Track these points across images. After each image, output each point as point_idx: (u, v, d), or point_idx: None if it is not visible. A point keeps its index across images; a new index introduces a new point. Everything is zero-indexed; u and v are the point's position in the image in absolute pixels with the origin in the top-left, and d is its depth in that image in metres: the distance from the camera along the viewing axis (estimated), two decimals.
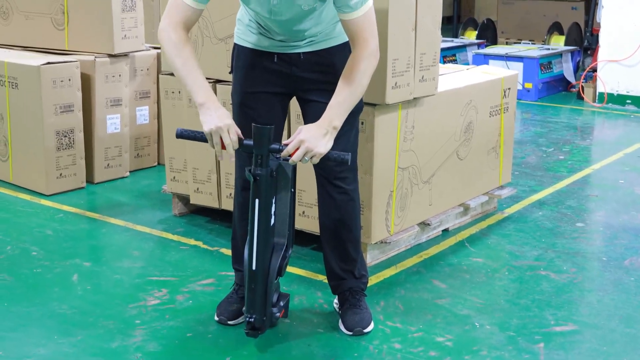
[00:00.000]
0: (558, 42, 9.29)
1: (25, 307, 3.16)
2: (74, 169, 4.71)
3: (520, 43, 10.18)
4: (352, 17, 2.64)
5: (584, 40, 8.99)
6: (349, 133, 2.89)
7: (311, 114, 2.86)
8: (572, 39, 9.26)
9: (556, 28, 9.61)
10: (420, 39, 3.61)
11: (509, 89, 4.47)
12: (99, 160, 4.89)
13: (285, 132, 3.34)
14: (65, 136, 4.65)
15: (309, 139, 2.60)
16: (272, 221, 2.70)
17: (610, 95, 7.68)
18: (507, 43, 10.80)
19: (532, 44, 9.76)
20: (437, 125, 3.91)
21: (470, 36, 9.77)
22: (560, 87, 8.42)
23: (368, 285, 3.16)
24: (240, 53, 2.95)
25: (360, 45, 2.67)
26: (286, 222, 2.77)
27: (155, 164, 5.29)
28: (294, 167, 2.75)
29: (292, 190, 2.79)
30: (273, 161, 2.67)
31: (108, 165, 4.93)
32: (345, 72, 2.69)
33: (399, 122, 3.62)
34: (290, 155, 2.62)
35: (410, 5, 3.49)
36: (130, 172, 5.08)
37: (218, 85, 3.91)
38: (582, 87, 7.89)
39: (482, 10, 13.90)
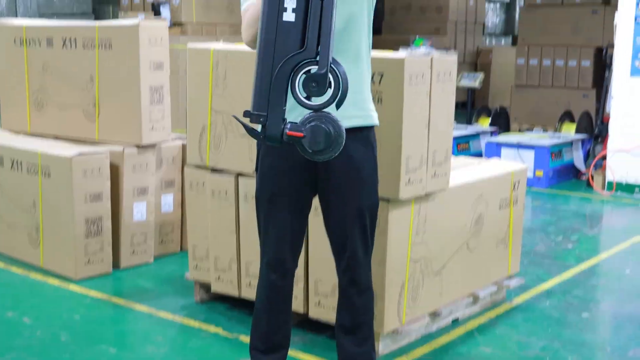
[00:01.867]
0: (569, 130, 9.52)
1: None
2: (102, 255, 4.93)
3: (532, 130, 10.43)
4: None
5: (595, 128, 9.22)
6: (372, 231, 3.09)
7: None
8: (583, 127, 9.49)
9: (567, 116, 9.86)
10: (433, 137, 3.83)
11: (519, 182, 4.67)
12: (125, 246, 5.11)
13: None
14: (94, 224, 4.88)
15: None
16: (286, 17, 2.55)
17: (619, 184, 7.88)
18: (519, 130, 11.05)
19: (544, 131, 10.01)
20: (449, 218, 4.11)
21: (484, 123, 10.03)
22: (570, 174, 8.62)
23: None
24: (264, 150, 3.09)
25: None
26: (314, 35, 2.53)
27: (179, 249, 5.50)
28: None
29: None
30: None
31: (134, 251, 5.15)
32: None
33: (411, 216, 3.82)
34: None
35: (423, 106, 3.72)
36: (154, 257, 5.30)
37: (240, 178, 4.14)
38: (592, 175, 8.09)
39: (495, 97, 14.22)
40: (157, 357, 3.75)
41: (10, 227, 5.27)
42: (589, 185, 8.10)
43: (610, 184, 7.91)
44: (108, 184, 4.93)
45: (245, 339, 3.89)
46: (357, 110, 2.97)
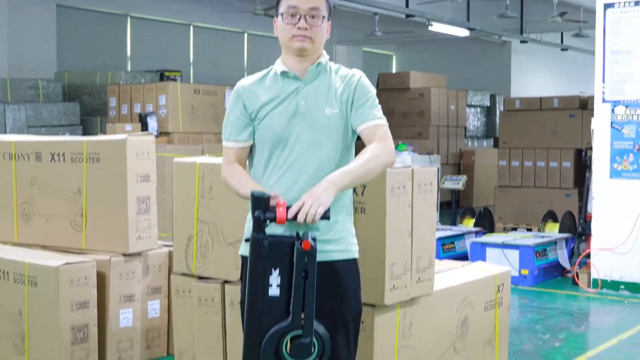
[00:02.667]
0: (553, 229, 9.64)
1: None
2: None
3: (517, 229, 10.54)
4: (376, 123, 3.05)
5: (578, 227, 9.34)
6: (356, 337, 3.14)
7: None
8: (566, 226, 9.61)
9: (550, 216, 9.99)
10: (416, 244, 3.91)
11: (503, 284, 4.72)
12: (111, 352, 5.08)
13: None
14: (80, 331, 4.88)
15: (310, 196, 2.85)
16: (272, 292, 2.85)
17: (604, 281, 7.94)
18: (504, 229, 11.18)
19: (528, 230, 10.11)
20: (434, 321, 4.14)
21: (468, 224, 10.14)
22: (555, 272, 8.68)
23: None
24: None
25: (377, 143, 3.02)
26: (298, 309, 2.86)
27: (165, 354, 5.47)
28: (304, 254, 2.85)
29: (304, 275, 2.86)
30: (279, 237, 2.89)
31: (120, 357, 5.13)
32: (362, 152, 3.00)
33: (397, 320, 3.86)
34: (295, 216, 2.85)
35: (406, 215, 3.81)
36: None
37: (226, 286, 4.18)
38: (577, 273, 8.15)
39: (479, 197, 14.44)
40: None
41: None
42: (574, 283, 8.15)
43: (595, 281, 7.97)
44: (94, 292, 4.95)
45: None
46: (341, 245, 3.12)
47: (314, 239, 2.88)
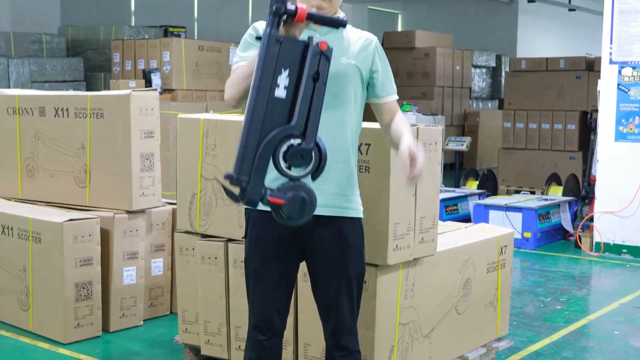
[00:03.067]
0: (556, 193, 9.63)
1: None
2: (91, 318, 4.94)
3: (520, 192, 10.54)
4: (392, 99, 3.20)
5: (582, 190, 9.33)
6: (357, 295, 3.15)
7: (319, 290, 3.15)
8: (570, 189, 9.60)
9: (554, 179, 9.98)
10: (420, 204, 3.90)
11: (506, 246, 4.72)
12: (114, 310, 5.12)
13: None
14: (84, 288, 4.90)
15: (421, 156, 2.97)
16: (278, 93, 2.70)
17: (607, 244, 7.94)
18: (507, 191, 11.17)
19: (531, 193, 10.11)
20: (437, 282, 4.15)
21: (472, 186, 10.13)
22: (558, 235, 8.69)
23: None
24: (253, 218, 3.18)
25: (400, 113, 3.22)
26: (303, 112, 2.71)
27: (168, 312, 5.51)
28: (320, 53, 2.73)
29: (315, 77, 2.73)
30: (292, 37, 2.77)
31: (123, 314, 5.16)
32: (401, 122, 3.17)
33: (399, 281, 3.86)
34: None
35: None
36: (144, 320, 5.30)
37: (230, 244, 4.18)
38: (580, 236, 8.16)
39: (483, 159, 14.41)
40: None
41: (1, 292, 5.27)
42: (577, 246, 8.16)
43: (598, 245, 7.98)
44: (98, 248, 4.97)
45: None
46: (349, 203, 3.13)
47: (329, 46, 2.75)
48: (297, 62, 2.71)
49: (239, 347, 4.17)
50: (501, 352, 4.74)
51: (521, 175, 11.45)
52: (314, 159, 2.70)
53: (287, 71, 2.69)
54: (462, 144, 10.30)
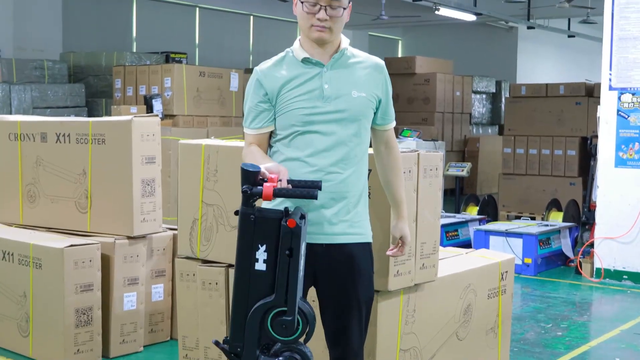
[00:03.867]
0: (556, 218, 9.63)
1: None
2: (91, 344, 4.92)
3: (520, 217, 10.54)
4: (391, 127, 3.23)
5: (582, 216, 9.33)
6: (362, 322, 3.17)
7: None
8: (570, 214, 9.61)
9: (554, 204, 9.99)
10: (421, 230, 3.91)
11: (507, 272, 4.72)
12: (115, 335, 5.10)
13: None
14: (84, 314, 4.89)
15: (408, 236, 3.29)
16: (258, 267, 2.88)
17: (607, 270, 7.93)
18: (508, 217, 11.18)
19: (532, 219, 10.11)
20: (437, 308, 4.15)
21: (472, 212, 10.13)
22: (559, 261, 8.68)
23: None
24: None
25: (394, 148, 3.27)
26: (282, 286, 2.88)
27: (168, 338, 5.49)
28: (290, 232, 2.85)
29: (288, 253, 2.88)
30: (266, 212, 2.90)
31: (123, 340, 5.15)
32: (392, 169, 3.25)
33: (400, 306, 3.86)
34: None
35: (411, 200, 3.81)
36: (144, 346, 5.28)
37: (231, 270, 4.18)
38: (580, 262, 8.15)
39: (483, 184, 14.42)
40: None
41: (0, 319, 5.26)
42: (577, 272, 8.15)
43: (598, 270, 7.97)
44: (99, 274, 4.97)
45: None
46: (360, 229, 3.17)
47: (302, 217, 2.89)
48: (274, 237, 2.87)
49: None
50: None
51: (521, 201, 11.47)
52: (301, 324, 2.91)
53: (264, 246, 2.88)
54: (462, 170, 10.32)
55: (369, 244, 3.18)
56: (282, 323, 2.89)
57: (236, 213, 2.92)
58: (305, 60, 3.08)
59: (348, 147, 3.07)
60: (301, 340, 2.94)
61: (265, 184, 2.85)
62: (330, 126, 3.06)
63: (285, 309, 2.89)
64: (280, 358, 2.93)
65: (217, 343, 3.01)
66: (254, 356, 2.94)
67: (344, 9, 3.06)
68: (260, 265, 2.89)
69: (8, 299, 5.19)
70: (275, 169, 2.91)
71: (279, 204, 3.02)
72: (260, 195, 2.85)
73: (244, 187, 2.87)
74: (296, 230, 2.84)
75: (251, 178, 2.87)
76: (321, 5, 3.01)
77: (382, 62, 3.22)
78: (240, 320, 2.93)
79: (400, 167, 3.28)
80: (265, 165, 2.91)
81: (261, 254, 2.88)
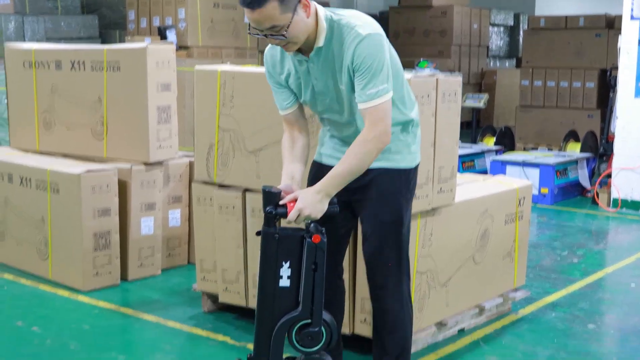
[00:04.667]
0: (574, 149, 9.57)
1: None
2: (110, 267, 4.98)
3: (537, 149, 10.48)
4: (366, 106, 2.93)
5: (600, 147, 9.27)
6: (388, 247, 3.18)
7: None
8: (588, 146, 9.54)
9: (572, 136, 9.91)
10: (439, 154, 3.88)
11: (524, 198, 4.71)
12: (132, 259, 5.16)
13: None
14: (102, 238, 4.94)
15: (307, 206, 2.93)
16: (282, 283, 2.99)
17: (624, 201, 7.90)
18: (524, 149, 11.11)
19: (549, 150, 10.05)
20: (455, 232, 4.15)
21: (489, 142, 10.08)
22: (575, 192, 8.66)
23: None
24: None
25: (365, 129, 2.96)
26: (308, 299, 2.98)
27: (186, 262, 5.55)
28: (315, 247, 2.95)
29: (313, 268, 2.97)
30: (288, 231, 3.00)
31: (141, 264, 5.20)
32: (348, 149, 2.99)
33: (417, 230, 3.86)
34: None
35: (429, 125, 3.78)
36: (162, 270, 5.34)
37: (247, 194, 4.19)
38: (597, 192, 8.12)
39: (500, 117, 14.30)
40: None
41: (19, 242, 5.32)
42: (594, 202, 8.13)
43: (615, 201, 7.94)
44: (116, 199, 4.99)
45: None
46: (386, 154, 3.14)
47: (322, 232, 2.97)
48: (297, 253, 2.97)
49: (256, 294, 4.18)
50: (518, 302, 4.75)
51: (538, 134, 11.38)
52: (324, 334, 3.02)
53: (287, 263, 2.97)
54: (479, 101, 10.23)
55: (397, 169, 3.16)
56: (308, 335, 3.01)
57: (258, 234, 2.99)
58: (294, 54, 3.05)
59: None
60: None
61: (289, 205, 2.94)
62: (333, 115, 3.13)
63: (309, 321, 3.00)
64: None
65: None
66: None
67: (287, 25, 2.84)
68: (285, 282, 2.99)
69: (27, 224, 5.24)
70: (290, 192, 3.00)
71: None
72: (284, 215, 2.95)
73: (267, 208, 2.96)
74: (320, 245, 2.94)
75: (273, 199, 2.97)
76: (265, 33, 2.88)
77: (357, 31, 2.92)
78: (265, 336, 3.02)
79: (354, 154, 2.96)
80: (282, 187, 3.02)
81: (285, 271, 2.98)
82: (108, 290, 4.94)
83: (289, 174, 3.12)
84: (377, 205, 3.14)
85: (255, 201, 4.14)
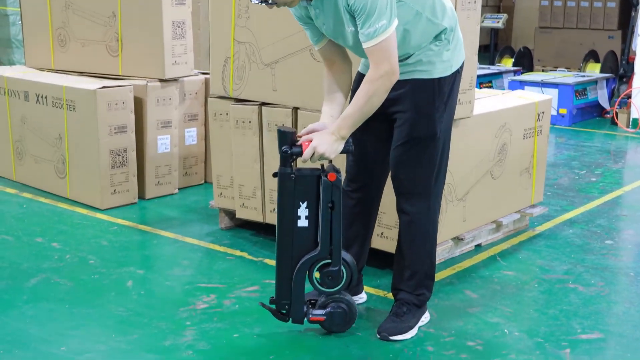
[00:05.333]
0: (594, 70, 9.44)
1: (85, 308, 3.42)
2: (127, 185, 4.99)
3: (556, 70, 10.35)
4: (368, 46, 2.87)
5: (620, 68, 9.14)
6: (417, 158, 3.12)
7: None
8: (608, 66, 9.41)
9: (592, 56, 9.76)
10: None
11: (543, 112, 4.65)
12: (150, 177, 5.17)
13: None
14: (119, 155, 4.93)
15: (322, 144, 2.93)
16: (300, 224, 3.04)
17: None
18: (543, 70, 10.97)
19: (568, 71, 9.93)
20: (473, 146, 4.11)
21: (507, 64, 9.96)
22: (594, 113, 8.57)
23: None
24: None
25: (370, 69, 2.92)
26: (326, 238, 3.03)
27: (203, 181, 5.56)
28: (331, 185, 2.98)
29: (330, 206, 3.00)
30: (305, 170, 3.03)
31: (158, 182, 5.21)
32: (358, 90, 2.96)
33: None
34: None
35: None
36: (179, 189, 5.36)
37: (264, 108, 4.16)
38: (616, 113, 8.03)
39: (519, 39, 14.06)
40: (184, 278, 3.83)
41: (37, 161, 5.33)
42: (613, 122, 8.05)
43: (635, 121, 7.85)
44: (132, 116, 4.97)
45: (270, 262, 3.97)
46: (419, 67, 3.08)
47: (337, 171, 2.97)
48: (314, 192, 3.01)
49: (274, 209, 4.19)
50: (535, 218, 4.73)
51: (558, 55, 11.21)
52: (345, 274, 3.09)
53: (305, 203, 3.01)
54: (498, 21, 10.07)
55: (430, 80, 3.09)
56: (328, 274, 3.07)
57: (274, 175, 2.98)
58: (301, 3, 3.02)
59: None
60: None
61: (304, 143, 2.94)
62: (358, 52, 3.07)
63: (330, 261, 3.04)
64: (329, 309, 3.12)
65: (263, 304, 3.17)
66: (302, 312, 3.11)
67: None
68: (303, 222, 3.03)
69: (44, 142, 5.24)
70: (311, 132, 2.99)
71: None
72: (299, 154, 2.95)
73: (283, 148, 2.96)
74: (337, 183, 2.95)
75: (288, 139, 2.97)
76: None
77: None
78: (286, 278, 3.07)
79: (362, 95, 2.92)
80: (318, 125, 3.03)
81: (303, 211, 3.01)
82: (126, 208, 4.96)
83: (328, 113, 3.12)
84: (410, 117, 3.08)
85: (272, 115, 4.11)
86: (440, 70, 3.10)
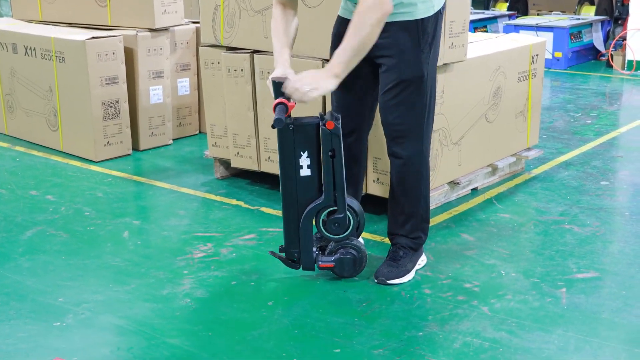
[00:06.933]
0: (588, 12, 9.35)
1: (82, 259, 3.42)
2: (121, 137, 4.96)
3: (551, 14, 10.25)
4: None
5: (615, 10, 9.05)
6: (407, 101, 3.07)
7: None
8: (603, 9, 9.32)
9: None
10: (450, 7, 3.75)
11: (537, 55, 4.61)
12: (143, 129, 5.13)
13: None
14: (111, 106, 4.89)
15: (310, 76, 2.90)
16: (303, 173, 3.04)
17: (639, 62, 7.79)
18: (538, 14, 10.87)
19: (563, 14, 9.84)
20: (467, 90, 4.08)
21: (502, 8, 9.86)
22: (589, 55, 8.51)
23: None
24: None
25: (360, 1, 2.86)
26: (330, 186, 3.03)
27: (197, 132, 5.53)
28: (330, 133, 2.95)
29: (330, 154, 2.99)
30: (303, 120, 3.02)
31: (152, 133, 5.18)
32: (349, 24, 2.88)
33: None
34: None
35: None
36: (173, 140, 5.33)
37: (255, 56, 4.11)
38: (612, 55, 7.98)
39: None
40: (181, 228, 3.82)
41: (28, 114, 5.30)
42: (608, 65, 8.00)
43: (630, 63, 7.81)
44: (123, 67, 4.92)
45: (267, 210, 3.97)
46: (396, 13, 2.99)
47: (336, 118, 2.95)
48: (314, 141, 3.01)
49: (269, 158, 4.18)
50: (530, 161, 4.73)
51: None
52: (352, 220, 3.09)
53: (306, 152, 3.01)
54: None
55: (413, 21, 3.03)
56: (334, 221, 3.08)
57: (273, 126, 2.92)
58: None
59: None
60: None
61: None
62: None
63: (335, 207, 3.05)
64: (337, 255, 3.14)
65: (273, 253, 3.18)
66: (311, 259, 3.13)
67: None
68: (305, 171, 3.04)
69: (35, 94, 5.20)
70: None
71: None
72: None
73: (279, 99, 2.92)
74: (335, 131, 2.93)
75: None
76: None
77: None
78: (293, 227, 3.09)
79: (352, 27, 2.85)
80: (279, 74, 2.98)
81: (304, 160, 3.02)
82: (120, 160, 4.94)
83: (286, 61, 3.04)
84: (396, 61, 3.04)
85: (264, 62, 4.06)
86: (423, 10, 3.04)
